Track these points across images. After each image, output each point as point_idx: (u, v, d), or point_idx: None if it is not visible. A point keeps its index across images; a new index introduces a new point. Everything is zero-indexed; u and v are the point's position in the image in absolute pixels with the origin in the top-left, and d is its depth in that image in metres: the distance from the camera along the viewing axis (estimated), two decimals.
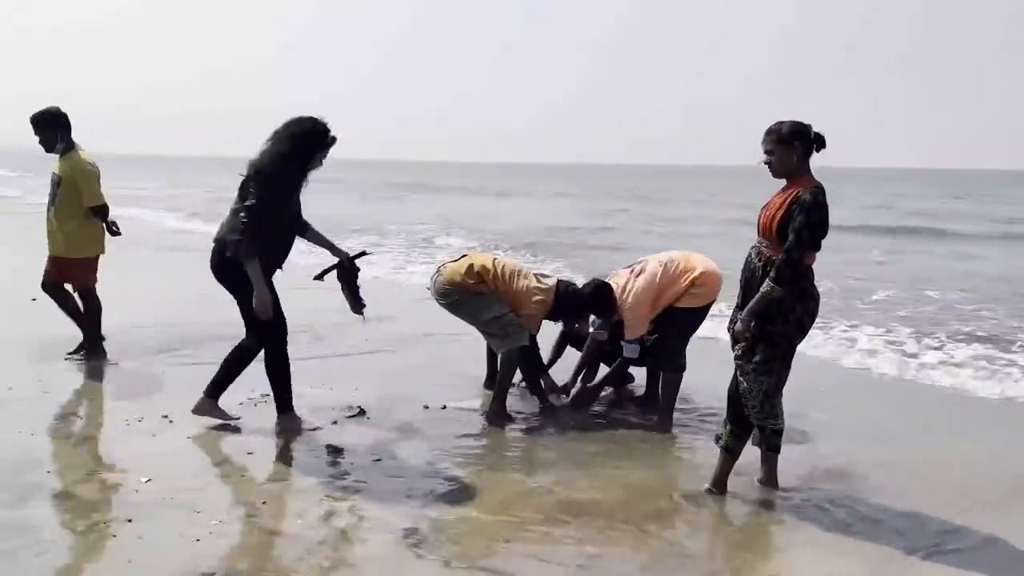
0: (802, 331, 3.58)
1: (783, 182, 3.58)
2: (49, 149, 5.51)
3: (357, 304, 4.44)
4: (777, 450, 3.77)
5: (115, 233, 5.70)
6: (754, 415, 3.63)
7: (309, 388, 5.12)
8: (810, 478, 4.01)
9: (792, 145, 3.50)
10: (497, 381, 4.84)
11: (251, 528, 3.27)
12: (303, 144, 4.12)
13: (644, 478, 4.00)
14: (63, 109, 5.53)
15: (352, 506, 3.49)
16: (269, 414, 4.56)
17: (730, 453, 3.76)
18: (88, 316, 5.66)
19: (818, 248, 3.50)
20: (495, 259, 4.91)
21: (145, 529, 3.19)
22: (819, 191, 3.46)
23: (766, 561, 3.28)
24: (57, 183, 5.49)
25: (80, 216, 5.50)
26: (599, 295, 4.85)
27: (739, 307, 3.66)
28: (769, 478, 3.80)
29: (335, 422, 4.58)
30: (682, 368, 4.83)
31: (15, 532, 3.13)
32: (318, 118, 4.20)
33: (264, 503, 3.49)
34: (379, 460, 4.05)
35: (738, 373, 3.65)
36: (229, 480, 3.76)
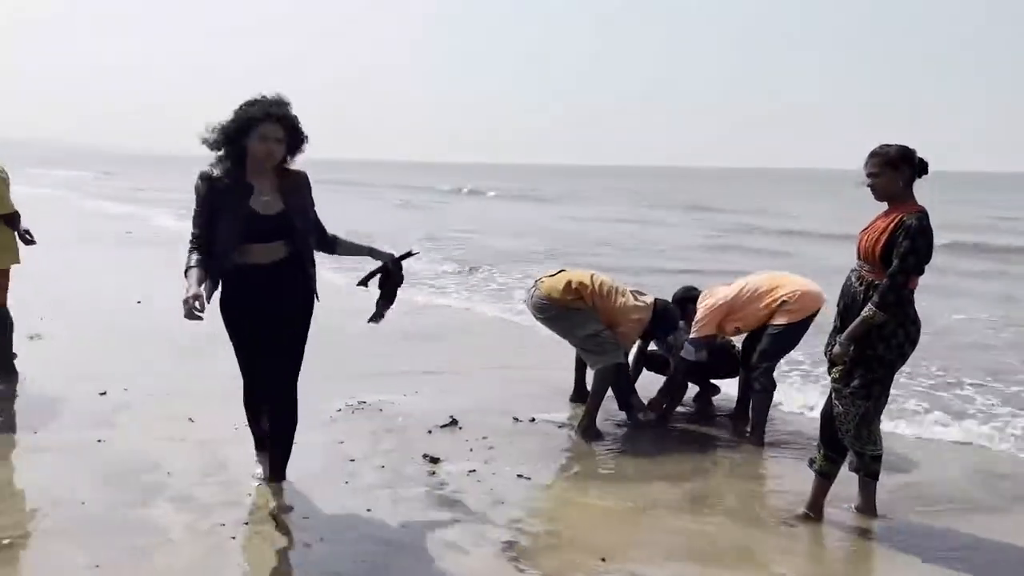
0: (903, 356, 3.54)
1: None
2: None
3: (379, 313, 3.86)
4: (875, 476, 3.73)
5: (28, 242, 5.30)
6: (848, 440, 3.61)
7: (402, 396, 5.29)
8: (909, 506, 3.95)
9: (900, 169, 3.47)
10: (590, 396, 4.91)
11: (359, 536, 3.42)
12: (225, 132, 3.42)
13: (738, 500, 4.01)
14: None
15: (453, 518, 3.61)
16: (367, 421, 4.73)
17: (825, 477, 3.73)
18: None
19: (922, 272, 3.47)
20: (592, 275, 4.97)
21: (261, 531, 3.38)
22: (924, 215, 3.43)
23: None
24: None
25: None
26: (688, 299, 5.11)
27: (837, 330, 3.64)
28: (867, 505, 3.77)
29: (430, 431, 4.72)
30: (772, 385, 4.83)
31: (145, 531, 3.36)
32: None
33: (369, 510, 3.64)
34: (473, 471, 4.17)
35: (834, 397, 3.64)
36: (334, 487, 3.92)
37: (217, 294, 3.49)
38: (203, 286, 3.31)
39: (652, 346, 5.56)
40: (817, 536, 3.65)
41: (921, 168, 3.51)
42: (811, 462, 3.80)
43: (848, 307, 3.60)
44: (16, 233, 5.22)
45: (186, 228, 3.57)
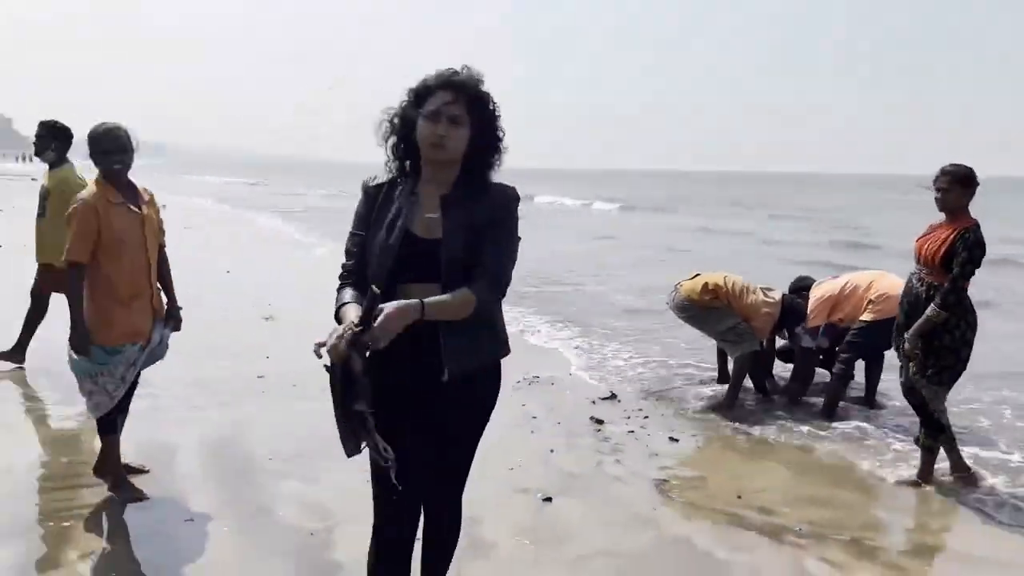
0: (967, 344, 4.16)
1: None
2: (38, 154, 5.66)
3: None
4: (935, 450, 4.36)
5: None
6: (929, 420, 4.27)
7: (567, 375, 6.35)
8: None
9: (967, 188, 4.19)
10: (731, 380, 5.74)
11: (546, 469, 4.46)
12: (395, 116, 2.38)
13: (853, 462, 4.75)
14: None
15: (616, 460, 4.62)
16: (541, 392, 5.80)
17: (928, 451, 4.38)
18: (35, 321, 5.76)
19: (973, 275, 4.14)
20: (725, 276, 5.81)
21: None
22: (979, 228, 4.10)
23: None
24: (45, 195, 5.51)
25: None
26: (801, 288, 5.92)
27: (902, 327, 4.29)
28: (957, 468, 4.37)
29: (593, 402, 5.72)
30: (848, 374, 5.53)
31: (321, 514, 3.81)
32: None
33: (551, 451, 4.70)
34: (631, 432, 5.13)
35: (916, 385, 4.26)
36: (522, 433, 4.98)
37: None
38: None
39: (780, 341, 6.26)
40: (925, 497, 4.34)
41: (976, 187, 4.22)
42: (916, 439, 4.48)
43: (912, 305, 4.25)
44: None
45: None
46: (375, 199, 2.35)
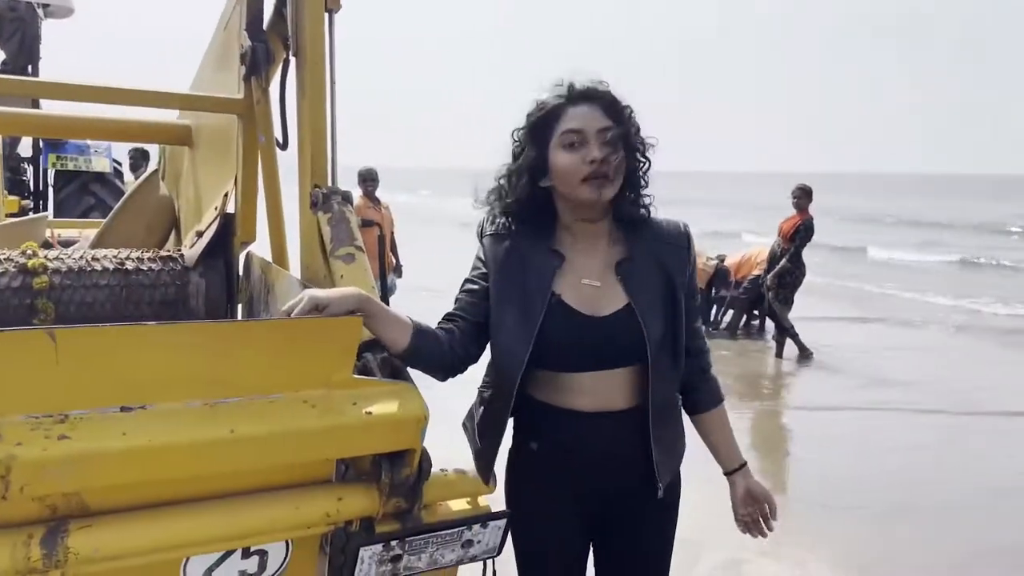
0: (798, 282, 6.63)
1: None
2: (133, 171, 7.98)
3: None
4: (783, 341, 7.85)
5: None
6: (779, 324, 7.04)
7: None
8: None
9: (809, 198, 7.22)
10: None
11: None
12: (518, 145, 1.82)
13: None
14: None
15: None
16: None
17: (779, 343, 7.47)
18: None
19: (804, 245, 7.32)
20: None
21: None
22: (811, 220, 6.88)
23: None
24: None
25: None
26: None
27: (767, 271, 7.42)
28: (802, 350, 7.49)
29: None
30: (748, 303, 8.79)
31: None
32: None
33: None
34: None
35: (771, 304, 6.91)
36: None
37: (501, 466, 1.78)
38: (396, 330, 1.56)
39: None
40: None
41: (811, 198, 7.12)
42: (772, 336, 6.85)
43: (772, 260, 7.53)
44: None
45: None
46: (488, 245, 1.74)
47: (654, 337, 1.61)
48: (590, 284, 1.66)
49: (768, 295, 7.55)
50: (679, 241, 1.71)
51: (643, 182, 1.68)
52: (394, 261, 7.23)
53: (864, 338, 8.90)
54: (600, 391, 1.64)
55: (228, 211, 2.41)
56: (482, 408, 1.76)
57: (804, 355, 7.54)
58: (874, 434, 5.23)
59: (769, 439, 5.32)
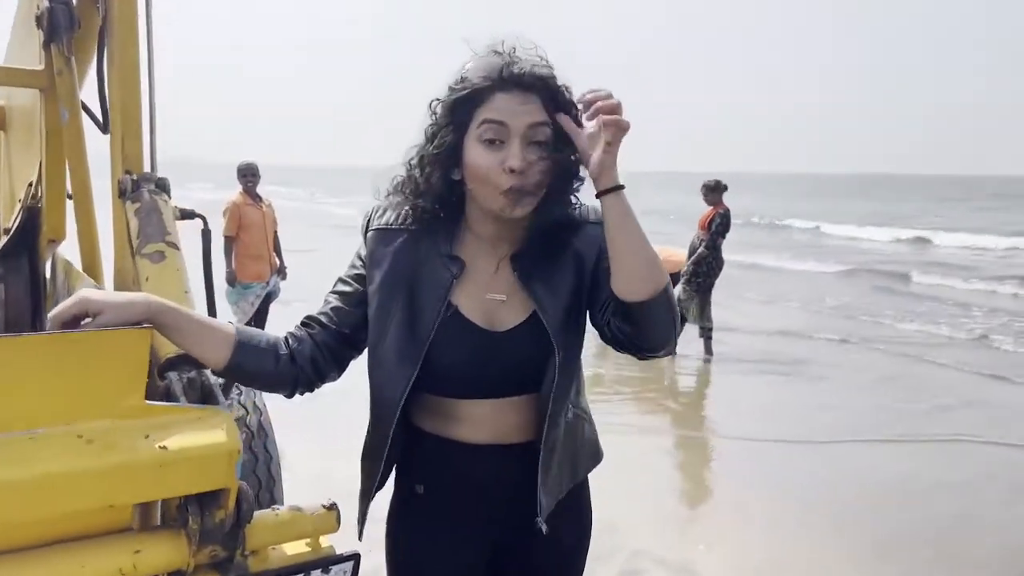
0: (713, 272, 7.18)
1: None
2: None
3: None
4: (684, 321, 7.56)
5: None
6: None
7: None
8: None
9: (717, 192, 7.41)
10: None
11: None
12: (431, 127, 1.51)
13: None
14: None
15: None
16: None
17: (684, 319, 7.09)
18: None
19: (720, 235, 7.57)
20: None
21: None
22: (727, 212, 7.45)
23: None
24: None
25: None
26: None
27: (687, 259, 7.60)
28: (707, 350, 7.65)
29: None
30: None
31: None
32: None
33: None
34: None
35: (682, 293, 7.38)
36: None
37: (378, 504, 1.54)
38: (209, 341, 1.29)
39: None
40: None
41: (722, 191, 7.56)
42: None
43: (692, 249, 7.62)
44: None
45: None
46: (377, 240, 1.47)
47: (562, 351, 1.37)
48: (494, 298, 1.40)
49: (680, 283, 7.51)
50: (587, 217, 1.43)
51: (575, 185, 1.39)
52: (277, 262, 6.71)
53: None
54: (493, 420, 1.42)
55: (38, 204, 2.07)
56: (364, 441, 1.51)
57: (707, 357, 7.60)
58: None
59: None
